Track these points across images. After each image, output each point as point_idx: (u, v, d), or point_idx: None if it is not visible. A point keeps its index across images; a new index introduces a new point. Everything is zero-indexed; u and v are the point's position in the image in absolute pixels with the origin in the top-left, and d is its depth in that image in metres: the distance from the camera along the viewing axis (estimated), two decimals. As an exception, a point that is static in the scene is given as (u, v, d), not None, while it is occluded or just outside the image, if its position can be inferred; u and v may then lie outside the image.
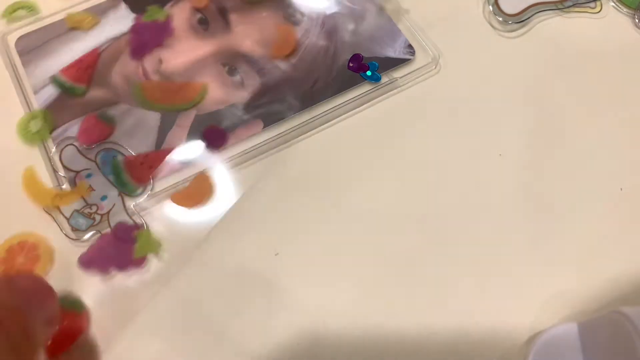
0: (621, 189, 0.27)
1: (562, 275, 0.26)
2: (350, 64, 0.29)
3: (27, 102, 0.28)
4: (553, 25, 0.32)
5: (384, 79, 0.29)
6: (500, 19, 0.31)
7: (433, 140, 0.28)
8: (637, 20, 0.32)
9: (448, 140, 0.28)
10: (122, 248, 0.25)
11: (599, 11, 0.32)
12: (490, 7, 0.31)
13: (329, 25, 0.30)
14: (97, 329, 0.24)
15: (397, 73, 0.29)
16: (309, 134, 0.28)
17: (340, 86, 0.29)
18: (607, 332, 0.22)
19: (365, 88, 0.29)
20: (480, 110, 0.29)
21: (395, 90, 0.29)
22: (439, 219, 0.27)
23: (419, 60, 0.30)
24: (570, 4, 0.32)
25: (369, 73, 0.29)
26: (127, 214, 0.26)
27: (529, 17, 0.31)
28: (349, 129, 0.28)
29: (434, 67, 0.30)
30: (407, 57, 0.30)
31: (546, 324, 0.24)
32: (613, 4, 0.32)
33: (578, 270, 0.26)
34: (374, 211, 0.27)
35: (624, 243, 0.26)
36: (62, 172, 0.27)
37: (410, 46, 0.30)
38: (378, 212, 0.27)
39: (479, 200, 0.27)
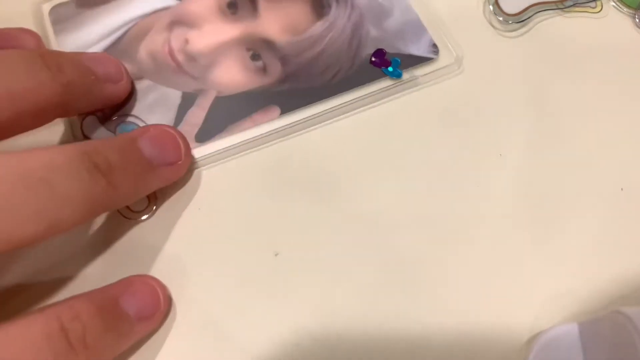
0: (622, 189, 0.27)
1: (562, 275, 0.25)
2: (373, 59, 0.29)
3: (55, 70, 0.29)
4: (553, 25, 0.31)
5: (405, 76, 0.29)
6: (501, 18, 0.31)
7: (432, 141, 0.28)
8: (637, 20, 0.31)
9: (447, 140, 0.28)
10: None
11: (600, 11, 0.32)
12: (491, 7, 0.31)
13: (355, 18, 0.31)
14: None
15: (419, 71, 0.30)
16: (322, 124, 0.29)
17: (361, 80, 0.29)
18: (608, 332, 0.22)
19: (385, 83, 0.29)
20: (480, 110, 0.29)
21: (414, 88, 0.29)
22: (438, 218, 0.27)
23: (442, 60, 0.30)
24: (571, 3, 0.32)
25: (390, 69, 0.29)
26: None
27: (529, 17, 0.31)
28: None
29: (457, 67, 0.30)
30: (431, 55, 0.30)
31: (546, 324, 0.24)
32: (613, 3, 0.32)
33: (578, 270, 0.26)
34: (374, 210, 0.27)
35: (624, 243, 0.26)
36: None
37: (434, 45, 0.30)
38: (378, 212, 0.27)
39: (479, 199, 0.27)
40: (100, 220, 0.26)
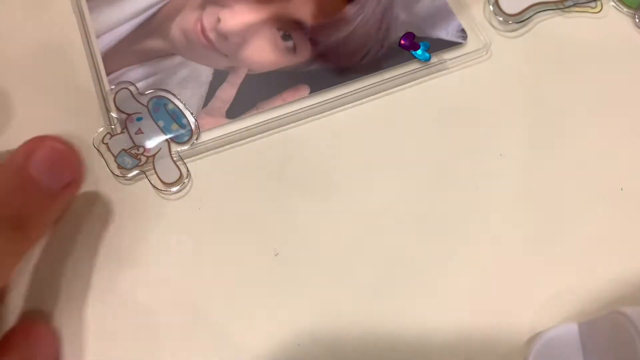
0: (621, 189, 0.28)
1: (562, 275, 0.26)
2: (402, 42, 0.30)
3: (89, 45, 0.30)
4: (553, 25, 0.31)
5: (433, 60, 0.30)
6: (501, 18, 0.31)
7: (432, 139, 0.28)
8: (637, 20, 0.31)
9: (448, 139, 0.28)
10: None
11: (600, 11, 0.32)
12: (491, 7, 0.31)
13: (385, 2, 0.31)
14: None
15: (447, 55, 0.30)
16: (349, 106, 0.29)
17: (389, 62, 0.29)
18: (608, 332, 0.23)
19: (413, 66, 0.30)
20: (481, 110, 0.29)
21: (441, 72, 0.30)
22: (438, 218, 0.27)
23: (470, 45, 0.30)
24: (571, 3, 0.32)
25: (419, 52, 0.29)
26: (172, 159, 0.27)
27: (529, 17, 0.31)
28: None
29: (485, 53, 0.30)
30: (459, 40, 0.30)
31: (546, 324, 0.25)
32: (613, 4, 0.32)
33: (578, 270, 0.26)
34: (374, 209, 0.27)
35: (624, 243, 0.27)
36: (114, 113, 0.28)
37: (463, 30, 0.30)
38: (378, 211, 0.27)
39: (479, 200, 0.27)
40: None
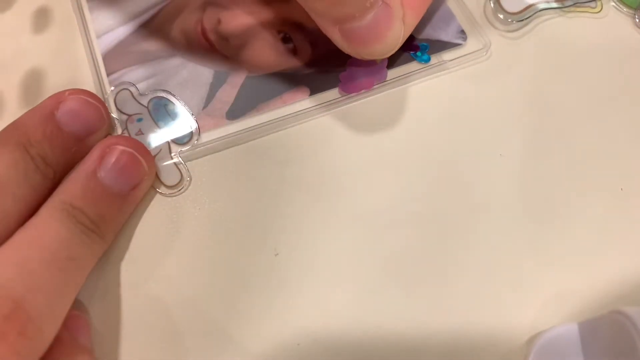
0: (621, 189, 0.27)
1: (562, 275, 0.26)
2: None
3: (89, 45, 0.30)
4: (553, 26, 0.31)
5: (433, 61, 0.30)
6: (502, 16, 0.31)
7: (432, 140, 0.28)
8: (637, 20, 0.32)
9: (448, 139, 0.28)
10: None
11: (600, 11, 0.32)
12: (492, 4, 0.31)
13: (385, 4, 0.31)
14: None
15: (447, 56, 0.30)
16: (345, 107, 0.29)
17: (389, 64, 0.30)
18: (608, 332, 0.23)
19: (413, 67, 0.30)
20: (481, 110, 0.29)
21: (440, 73, 0.30)
22: (439, 218, 0.27)
23: (470, 46, 0.30)
24: (571, 3, 0.32)
25: (419, 53, 0.30)
26: (172, 160, 0.27)
27: (529, 17, 0.31)
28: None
29: (484, 53, 0.30)
30: (459, 41, 0.30)
31: (546, 324, 0.25)
32: (613, 4, 0.32)
33: (578, 270, 0.26)
34: (374, 210, 0.27)
35: (624, 243, 0.27)
36: (115, 114, 0.28)
37: (462, 32, 0.30)
38: (378, 211, 0.27)
39: (479, 200, 0.27)
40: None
